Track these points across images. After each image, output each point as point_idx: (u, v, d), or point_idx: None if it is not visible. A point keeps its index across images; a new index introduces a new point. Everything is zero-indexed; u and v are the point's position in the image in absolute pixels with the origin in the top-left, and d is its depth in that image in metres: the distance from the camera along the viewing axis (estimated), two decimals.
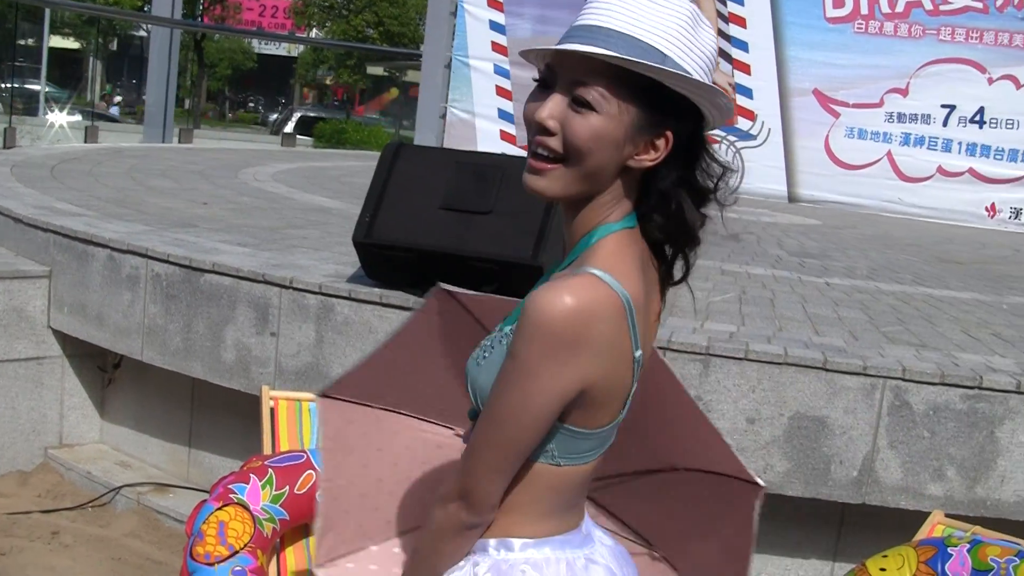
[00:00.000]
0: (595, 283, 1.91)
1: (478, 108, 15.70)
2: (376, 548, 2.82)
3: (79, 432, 6.99)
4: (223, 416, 6.14)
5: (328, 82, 52.80)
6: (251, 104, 59.25)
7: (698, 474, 2.71)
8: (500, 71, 15.63)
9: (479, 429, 2.01)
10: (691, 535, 2.70)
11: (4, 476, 6.63)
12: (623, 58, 1.87)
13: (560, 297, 1.88)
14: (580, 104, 1.92)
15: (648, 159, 1.96)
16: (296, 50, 55.20)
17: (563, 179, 1.96)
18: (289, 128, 30.30)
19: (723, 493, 2.73)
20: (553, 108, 1.94)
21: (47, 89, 33.69)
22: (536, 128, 1.96)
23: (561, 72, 1.95)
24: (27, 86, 29.65)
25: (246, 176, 11.37)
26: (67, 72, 49.85)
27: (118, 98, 45.64)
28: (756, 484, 2.81)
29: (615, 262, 1.96)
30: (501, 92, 15.63)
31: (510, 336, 1.99)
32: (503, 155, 6.31)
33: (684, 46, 1.92)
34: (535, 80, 2.01)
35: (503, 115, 15.60)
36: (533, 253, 4.99)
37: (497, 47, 15.66)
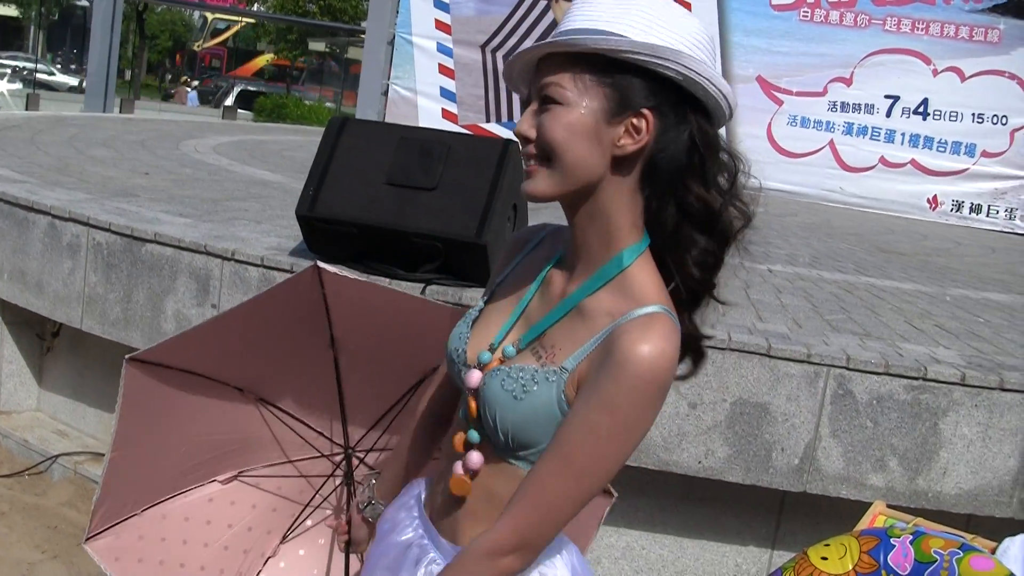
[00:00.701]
0: (671, 325, 1.89)
1: (420, 86, 15.63)
2: (142, 513, 2.83)
3: (16, 399, 6.90)
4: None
5: (268, 58, 52.51)
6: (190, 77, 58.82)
7: None
8: (443, 49, 15.57)
9: (553, 482, 1.90)
10: None
11: None
12: (559, 41, 1.90)
13: (662, 351, 1.85)
14: (547, 103, 1.92)
15: (631, 144, 1.90)
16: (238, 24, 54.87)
17: (550, 177, 1.93)
18: (229, 101, 30.08)
19: None
20: (527, 117, 1.95)
21: None
22: (520, 141, 1.96)
23: (532, 88, 1.97)
24: None
25: (187, 148, 11.25)
26: (7, 41, 49.22)
27: (195, 82, 45.13)
28: (611, 494, 2.88)
29: (663, 292, 1.95)
30: (444, 71, 15.57)
31: (571, 373, 1.93)
32: (449, 132, 6.25)
33: (647, 26, 1.89)
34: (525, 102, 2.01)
35: (445, 94, 15.55)
36: (477, 231, 4.94)
37: (440, 25, 15.59)
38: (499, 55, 15.46)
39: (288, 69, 46.53)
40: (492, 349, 2.07)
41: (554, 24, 15.42)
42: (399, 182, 5.13)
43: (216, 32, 48.60)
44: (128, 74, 40.35)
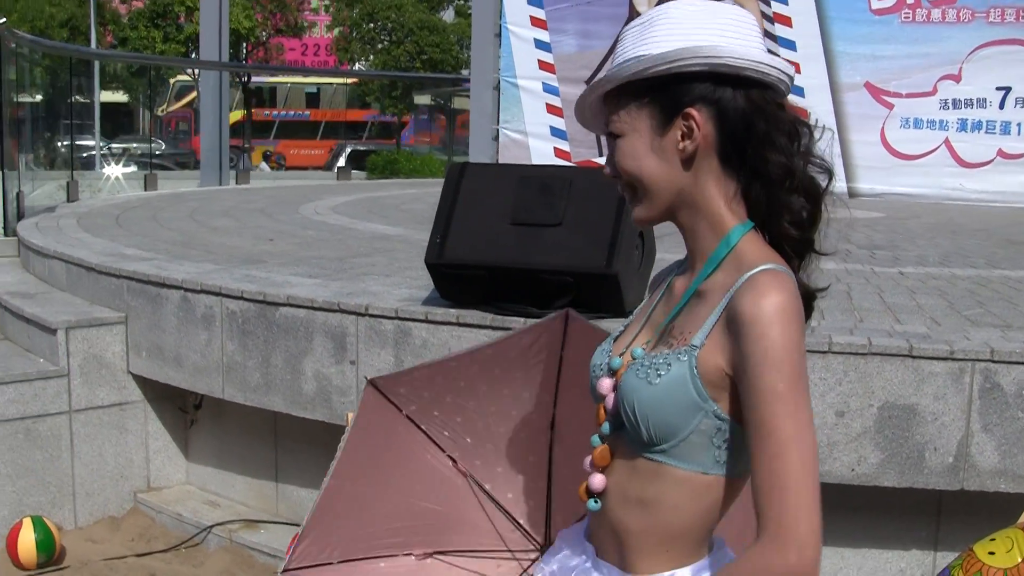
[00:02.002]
0: (781, 274, 1.95)
1: (530, 127, 15.69)
2: (337, 565, 2.79)
3: (166, 474, 7.04)
4: (307, 448, 6.16)
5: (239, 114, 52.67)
6: None
7: None
8: (549, 89, 15.63)
9: (777, 464, 1.85)
10: None
11: (97, 522, 6.72)
12: (594, 86, 2.09)
13: (780, 296, 1.90)
14: (613, 139, 2.09)
15: (691, 144, 2.01)
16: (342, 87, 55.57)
17: (643, 202, 2.09)
18: (342, 162, 30.48)
19: None
20: (606, 159, 2.14)
21: (102, 144, 34.16)
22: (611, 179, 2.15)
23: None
24: (82, 142, 30.01)
25: (306, 211, 11.44)
26: (119, 126, 50.35)
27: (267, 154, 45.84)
28: None
29: (769, 253, 2.01)
30: (552, 110, 15.62)
31: (702, 348, 1.97)
32: (567, 166, 6.32)
33: (667, 36, 2.01)
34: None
35: (555, 132, 15.59)
36: (607, 262, 4.98)
37: (544, 65, 15.66)
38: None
39: (394, 125, 46.93)
40: (622, 355, 2.13)
41: None
42: (523, 220, 5.19)
43: (181, 94, 48.69)
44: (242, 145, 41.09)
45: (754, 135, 2.01)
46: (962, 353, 4.65)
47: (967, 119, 14.69)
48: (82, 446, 6.73)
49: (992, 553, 3.83)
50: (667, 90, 2.01)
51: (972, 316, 5.51)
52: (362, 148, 35.42)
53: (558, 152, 15.41)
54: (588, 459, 2.15)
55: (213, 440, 6.96)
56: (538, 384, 2.61)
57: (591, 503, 2.15)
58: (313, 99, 53.05)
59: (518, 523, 2.84)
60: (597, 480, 2.12)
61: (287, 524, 6.12)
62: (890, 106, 14.90)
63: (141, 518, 6.81)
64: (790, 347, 1.87)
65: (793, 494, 1.82)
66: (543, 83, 15.60)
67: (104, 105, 40.52)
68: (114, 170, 24.56)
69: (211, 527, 6.41)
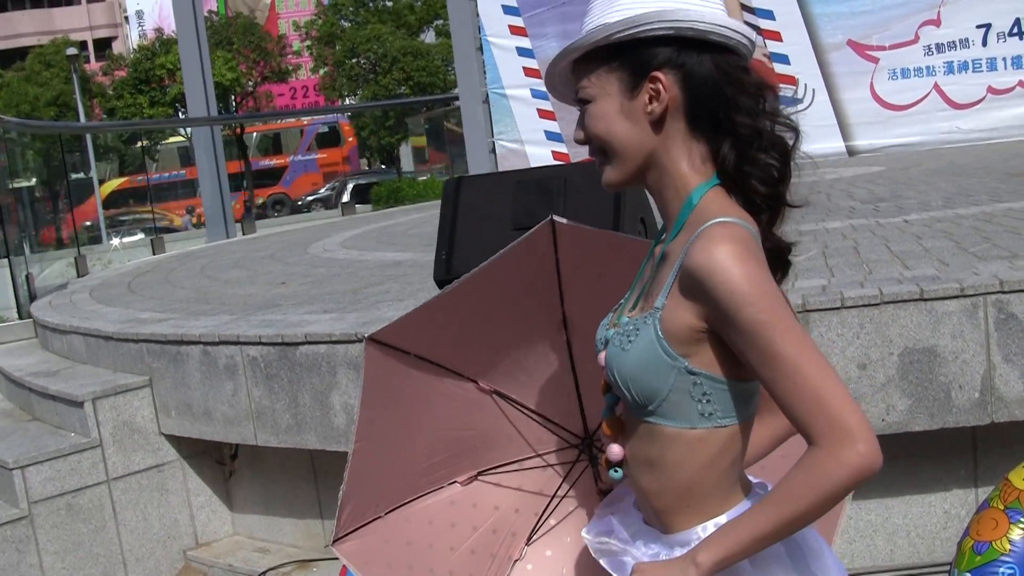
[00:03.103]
0: (730, 225, 2.01)
1: (524, 135, 15.73)
2: (385, 516, 2.79)
3: (212, 529, 7.10)
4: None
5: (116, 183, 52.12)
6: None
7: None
8: (538, 94, 15.64)
9: (797, 380, 1.91)
10: None
11: None
12: (561, 55, 2.15)
13: (717, 244, 1.96)
14: (583, 104, 2.16)
15: (658, 106, 2.08)
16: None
17: (613, 166, 2.16)
18: (346, 198, 30.59)
19: None
20: (578, 124, 2.19)
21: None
22: (582, 144, 2.21)
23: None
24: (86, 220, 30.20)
25: (315, 250, 11.51)
26: (120, 195, 50.49)
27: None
28: None
29: (726, 207, 2.07)
30: (544, 115, 15.66)
31: (663, 310, 2.04)
32: (560, 165, 6.36)
33: (631, 2, 2.07)
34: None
35: (551, 136, 15.62)
36: None
37: (529, 72, 15.69)
38: None
39: (394, 154, 47.06)
40: (616, 326, 2.19)
41: None
42: (525, 224, 5.18)
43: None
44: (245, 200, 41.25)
45: (720, 97, 2.06)
46: (972, 289, 4.68)
47: (953, 61, 14.68)
48: (125, 513, 6.79)
49: None
50: (634, 54, 2.08)
51: (979, 252, 5.54)
52: (364, 181, 35.49)
53: (556, 155, 15.42)
54: (603, 431, 2.27)
55: (255, 487, 7.01)
56: (540, 290, 2.63)
57: (612, 473, 2.25)
58: (185, 156, 52.12)
59: (553, 423, 2.86)
60: (614, 450, 2.23)
61: (338, 560, 6.16)
62: (875, 60, 14.90)
63: (194, 575, 6.86)
64: (757, 279, 1.94)
65: (829, 397, 1.89)
66: (531, 89, 15.62)
67: (102, 181, 40.65)
68: (121, 241, 24.77)
69: (265, 573, 6.46)
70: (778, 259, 2.15)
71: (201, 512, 7.11)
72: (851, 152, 14.77)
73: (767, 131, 2.09)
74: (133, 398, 6.86)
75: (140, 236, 28.90)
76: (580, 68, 2.15)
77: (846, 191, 10.12)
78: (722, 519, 2.11)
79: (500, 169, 15.45)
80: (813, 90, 14.96)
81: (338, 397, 5.73)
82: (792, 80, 15.01)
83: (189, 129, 27.42)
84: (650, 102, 2.08)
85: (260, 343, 6.03)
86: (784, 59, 15.08)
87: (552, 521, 2.93)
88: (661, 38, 2.05)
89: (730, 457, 2.11)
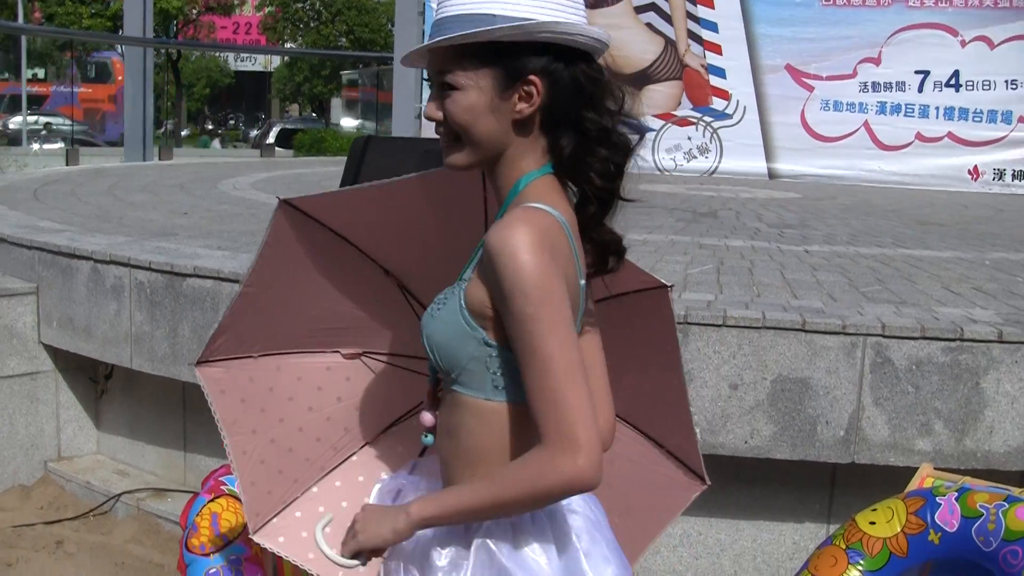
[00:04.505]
0: (534, 210, 2.09)
1: None
2: (258, 358, 2.78)
3: (76, 444, 7.02)
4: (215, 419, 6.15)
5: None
6: (231, 121, 59.17)
7: (648, 446, 2.84)
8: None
9: (544, 378, 2.00)
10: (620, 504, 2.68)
11: (7, 491, 6.70)
12: (441, 39, 2.12)
13: (513, 226, 2.03)
14: (445, 88, 2.16)
15: (528, 107, 2.13)
16: (272, 65, 55.23)
17: (463, 151, 2.19)
18: (270, 140, 30.32)
19: (665, 478, 2.88)
20: (432, 102, 2.21)
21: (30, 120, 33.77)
22: (432, 123, 2.23)
23: (430, 71, 2.21)
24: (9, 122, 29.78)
25: (225, 187, 11.40)
26: (42, 101, 49.71)
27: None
28: (704, 481, 2.89)
29: (543, 194, 2.15)
30: None
31: (468, 281, 2.14)
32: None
33: (516, 2, 2.10)
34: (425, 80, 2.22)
35: None
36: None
37: None
38: None
39: (325, 104, 46.65)
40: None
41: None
42: None
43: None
44: (168, 124, 40.76)
45: (580, 99, 2.14)
46: (854, 328, 4.73)
47: (886, 102, 14.91)
48: None
49: (873, 523, 3.91)
50: (514, 57, 2.11)
51: (869, 293, 5.61)
52: (291, 127, 35.21)
53: None
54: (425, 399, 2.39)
55: (123, 410, 6.94)
56: (468, 204, 2.62)
57: (423, 438, 2.41)
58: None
59: None
60: (426, 416, 2.38)
61: (194, 492, 6.13)
62: (810, 88, 15.09)
63: (51, 487, 6.78)
64: (536, 272, 2.00)
65: (568, 405, 1.99)
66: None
67: (30, 82, 40.00)
68: (41, 146, 24.40)
69: (119, 495, 6.40)
70: (604, 251, 2.25)
71: (68, 426, 7.02)
72: (772, 175, 14.93)
73: (615, 130, 2.18)
74: (17, 303, 6.75)
75: (60, 145, 28.49)
76: (448, 53, 2.15)
77: (756, 212, 10.22)
78: None
79: (423, 135, 15.42)
80: (744, 107, 15.10)
81: None
82: (725, 95, 15.14)
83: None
84: (520, 101, 2.13)
85: (149, 268, 5.96)
86: (721, 73, 15.21)
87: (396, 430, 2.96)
88: (541, 45, 2.11)
89: (519, 435, 2.15)
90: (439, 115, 2.18)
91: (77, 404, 7.03)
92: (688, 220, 9.23)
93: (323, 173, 13.91)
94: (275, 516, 2.79)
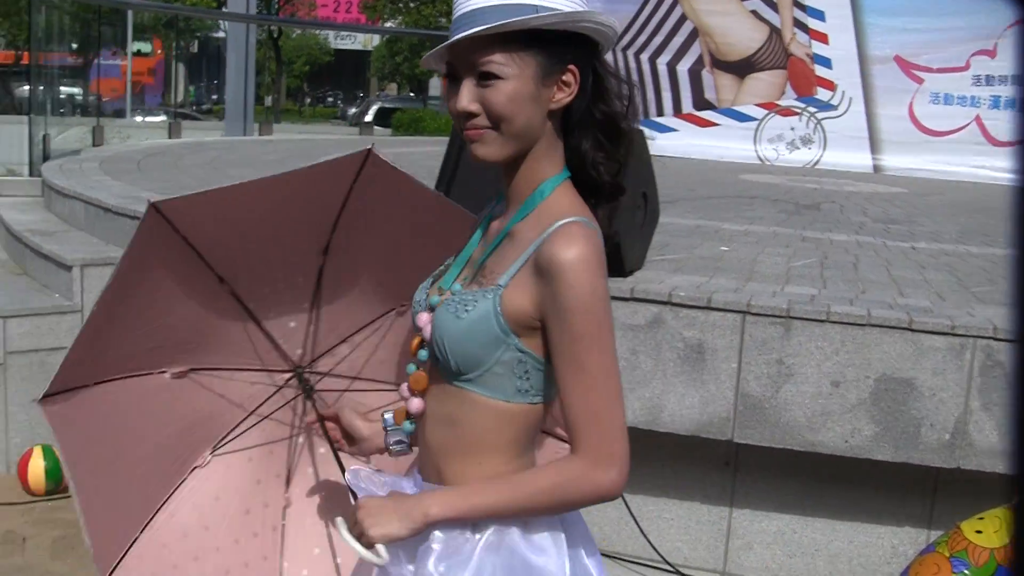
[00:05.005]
0: (586, 226, 2.09)
1: None
2: (92, 387, 2.70)
3: None
4: None
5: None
6: (329, 99, 59.58)
7: None
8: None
9: (590, 396, 2.08)
10: None
11: None
12: (491, 27, 2.06)
13: (583, 247, 2.05)
14: (486, 78, 2.10)
15: (565, 96, 2.13)
16: (371, 43, 55.46)
17: (498, 142, 2.12)
18: (368, 118, 30.44)
19: None
20: (467, 94, 2.12)
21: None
22: (462, 117, 2.14)
23: (459, 63, 2.14)
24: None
25: None
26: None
27: None
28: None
29: (578, 207, 2.15)
30: None
31: (506, 288, 2.12)
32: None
33: None
34: (441, 77, 2.24)
35: None
36: (607, 222, 4.89)
37: None
38: (630, 54, 15.39)
39: (423, 84, 46.78)
40: (441, 292, 2.25)
41: (683, 18, 15.29)
42: None
43: None
44: (268, 100, 41.09)
45: (595, 92, 2.15)
46: (963, 329, 4.58)
47: (1000, 96, 14.51)
48: None
49: (979, 532, 3.78)
50: (558, 45, 2.11)
51: (980, 293, 5.44)
52: (389, 106, 35.31)
53: None
54: (404, 385, 2.30)
55: None
56: (320, 210, 2.60)
57: (407, 424, 2.34)
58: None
59: (276, 342, 2.82)
60: (415, 403, 2.28)
61: None
62: (920, 80, 14.75)
63: None
64: (597, 294, 2.06)
65: (608, 422, 2.08)
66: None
67: (135, 55, 40.55)
68: (143, 118, 24.69)
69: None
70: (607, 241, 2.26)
71: None
72: (877, 169, 14.61)
73: (618, 120, 2.18)
74: None
75: (163, 118, 28.84)
76: (490, 43, 2.09)
77: (860, 206, 10.02)
78: None
79: None
80: (850, 99, 14.81)
81: None
82: (831, 85, 14.87)
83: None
84: (558, 91, 2.12)
85: None
86: (826, 62, 14.94)
87: (246, 438, 2.90)
88: (576, 34, 2.11)
89: (528, 431, 2.21)
90: (475, 107, 2.11)
91: None
92: (790, 212, 9.07)
93: (421, 154, 13.85)
94: (123, 558, 2.72)
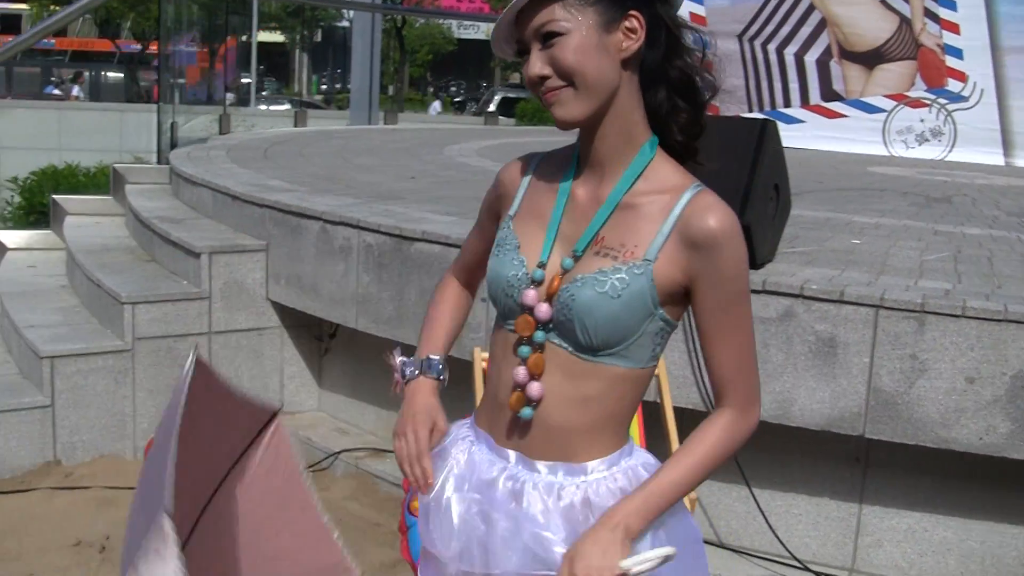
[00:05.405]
0: (712, 192, 2.18)
1: None
2: None
3: (298, 400, 7.19)
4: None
5: None
6: (452, 88, 59.81)
7: None
8: (700, 42, 15.40)
9: (748, 350, 2.23)
10: None
11: None
12: None
13: (729, 212, 2.14)
14: (550, 38, 2.11)
15: (633, 43, 2.14)
16: None
17: (575, 98, 2.13)
18: (492, 108, 30.56)
19: None
20: (535, 59, 2.14)
21: (265, 90, 34.68)
22: (536, 83, 2.16)
23: (524, 34, 2.16)
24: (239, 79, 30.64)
25: (450, 152, 11.50)
26: (274, 64, 51.12)
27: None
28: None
29: (684, 171, 2.23)
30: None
31: (655, 262, 2.14)
32: (706, 115, 6.20)
33: None
34: (517, 57, 2.23)
35: None
36: (739, 212, 4.88)
37: (696, 18, 15.44)
38: (757, 44, 15.28)
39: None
40: (543, 266, 2.24)
41: (811, 7, 15.13)
42: None
43: None
44: (391, 90, 41.33)
45: (671, 44, 2.18)
46: None
47: None
48: (219, 367, 6.83)
49: None
50: None
51: None
52: (513, 95, 35.41)
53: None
54: (520, 370, 2.25)
55: (346, 369, 7.06)
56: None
57: (525, 411, 2.27)
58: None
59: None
60: (535, 388, 2.24)
61: None
62: None
63: None
64: (745, 258, 2.18)
65: (754, 374, 2.24)
66: (694, 36, 15.37)
67: (261, 44, 41.09)
68: (268, 107, 24.98)
69: (339, 453, 6.53)
70: None
71: (291, 382, 7.18)
72: (1009, 162, 14.32)
73: (693, 78, 2.22)
74: (248, 259, 6.93)
75: (287, 107, 29.21)
76: (544, 4, 2.12)
77: (994, 200, 9.86)
78: (629, 448, 2.34)
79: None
80: (982, 90, 14.53)
81: None
82: (962, 76, 14.61)
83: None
84: (625, 38, 2.14)
85: (378, 231, 6.04)
86: (958, 53, 14.67)
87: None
88: None
89: (640, 391, 2.30)
90: (546, 70, 2.13)
91: (300, 361, 7.19)
92: (921, 205, 8.96)
93: (547, 143, 13.83)
94: None
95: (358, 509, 5.98)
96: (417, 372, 2.54)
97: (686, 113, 2.22)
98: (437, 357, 2.55)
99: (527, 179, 2.37)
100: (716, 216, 2.11)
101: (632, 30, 2.13)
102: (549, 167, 2.36)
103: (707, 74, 2.25)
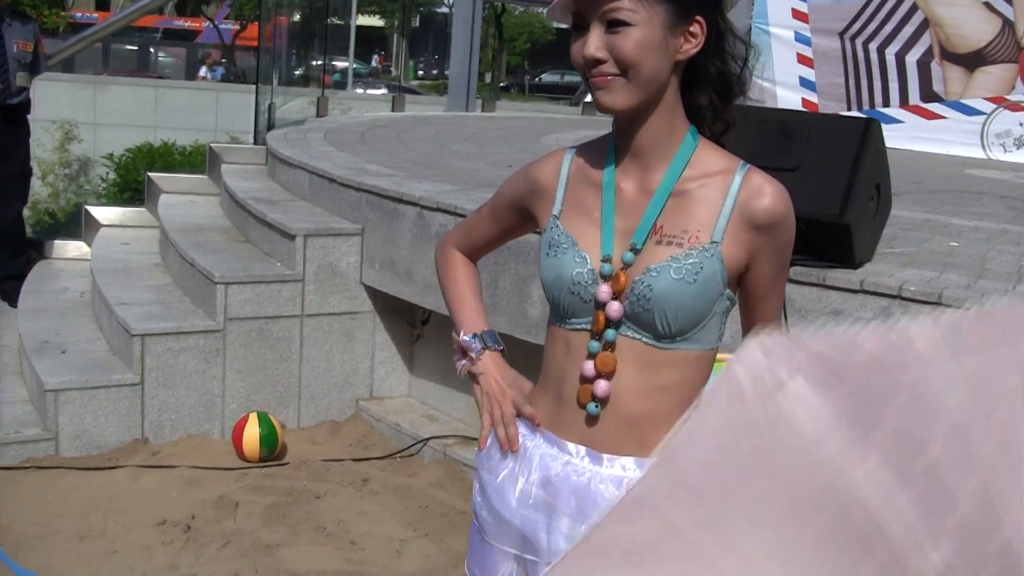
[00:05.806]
0: (759, 169, 2.27)
1: (779, 76, 15.40)
2: None
3: (388, 385, 7.25)
4: (527, 371, 6.21)
5: None
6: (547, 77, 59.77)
7: None
8: (800, 38, 15.32)
9: (783, 292, 2.40)
10: None
11: (318, 425, 6.99)
12: None
13: (775, 187, 2.23)
14: (615, 25, 2.13)
15: (692, 48, 2.19)
16: None
17: (626, 89, 2.16)
18: (589, 98, 30.50)
19: None
20: (595, 40, 2.15)
21: (355, 66, 34.83)
22: (589, 64, 2.17)
23: (587, 11, 2.16)
24: (336, 63, 30.86)
25: (548, 142, 11.47)
26: (372, 49, 51.39)
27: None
28: None
29: (725, 151, 2.30)
30: (802, 60, 15.32)
31: (721, 243, 2.20)
32: (805, 112, 6.20)
33: None
34: (570, 28, 2.23)
35: (804, 83, 15.30)
36: (840, 211, 4.88)
37: (797, 14, 15.35)
38: (859, 42, 15.12)
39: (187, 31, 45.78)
40: (608, 260, 2.25)
41: (914, 7, 14.95)
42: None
43: None
44: (488, 77, 41.40)
45: (719, 48, 2.23)
46: None
47: None
48: (311, 350, 6.95)
49: None
50: None
51: None
52: None
53: (805, 103, 15.11)
54: (589, 365, 2.26)
55: (437, 356, 7.10)
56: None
57: (591, 408, 2.28)
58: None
59: None
60: (603, 387, 2.26)
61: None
62: None
63: (361, 425, 7.01)
64: (795, 222, 2.28)
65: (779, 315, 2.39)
66: (795, 32, 15.29)
67: (359, 28, 41.30)
68: (366, 91, 25.09)
69: (427, 440, 6.58)
70: None
71: (381, 367, 7.24)
72: None
73: (731, 80, 2.27)
74: (343, 243, 6.99)
75: (383, 91, 29.34)
76: None
77: None
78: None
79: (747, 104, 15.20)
80: None
81: (537, 289, 5.72)
82: None
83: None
84: (685, 41, 2.18)
85: None
86: None
87: None
88: None
89: (707, 372, 2.30)
90: (602, 54, 2.14)
91: (392, 346, 7.24)
92: (1019, 209, 8.83)
93: None
94: None
95: (445, 496, 6.03)
96: (483, 348, 2.62)
97: (714, 111, 2.28)
98: (493, 331, 2.64)
99: (564, 176, 2.39)
100: (772, 195, 2.21)
101: (695, 35, 2.18)
102: (584, 162, 2.38)
103: (742, 75, 2.29)
